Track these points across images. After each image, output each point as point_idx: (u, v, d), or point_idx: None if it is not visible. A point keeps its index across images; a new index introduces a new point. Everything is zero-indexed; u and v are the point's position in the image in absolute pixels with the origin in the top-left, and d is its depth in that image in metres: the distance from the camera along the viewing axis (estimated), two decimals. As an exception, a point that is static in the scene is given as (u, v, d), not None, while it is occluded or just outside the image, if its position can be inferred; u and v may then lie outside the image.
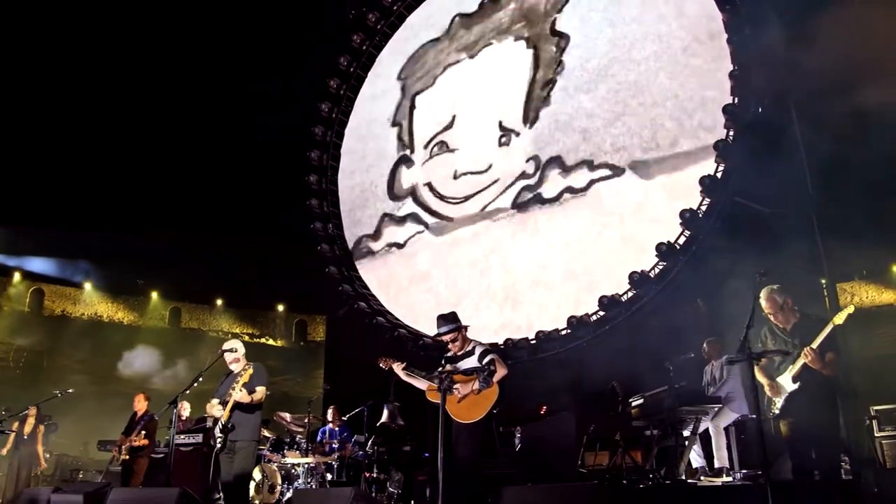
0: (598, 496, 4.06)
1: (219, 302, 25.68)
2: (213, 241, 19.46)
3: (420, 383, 5.62)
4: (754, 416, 6.90)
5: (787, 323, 5.03)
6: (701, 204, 9.78)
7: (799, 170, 9.42)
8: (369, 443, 9.29)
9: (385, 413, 9.83)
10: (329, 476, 8.82)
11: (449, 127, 13.02)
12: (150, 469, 8.99)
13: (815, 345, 4.71)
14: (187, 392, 6.71)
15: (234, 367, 6.41)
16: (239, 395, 6.00)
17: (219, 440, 5.94)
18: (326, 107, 14.32)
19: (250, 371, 6.14)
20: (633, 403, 6.87)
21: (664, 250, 9.79)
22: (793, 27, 9.60)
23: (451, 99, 13.19)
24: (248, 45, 15.22)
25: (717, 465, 6.64)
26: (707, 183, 9.58)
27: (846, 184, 9.95)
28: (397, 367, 5.70)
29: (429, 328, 12.37)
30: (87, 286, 22.67)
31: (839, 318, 4.77)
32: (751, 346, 4.39)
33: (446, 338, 5.58)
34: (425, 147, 13.31)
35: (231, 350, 6.47)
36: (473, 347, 5.58)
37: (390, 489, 9.21)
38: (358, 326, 13.17)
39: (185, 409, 10.18)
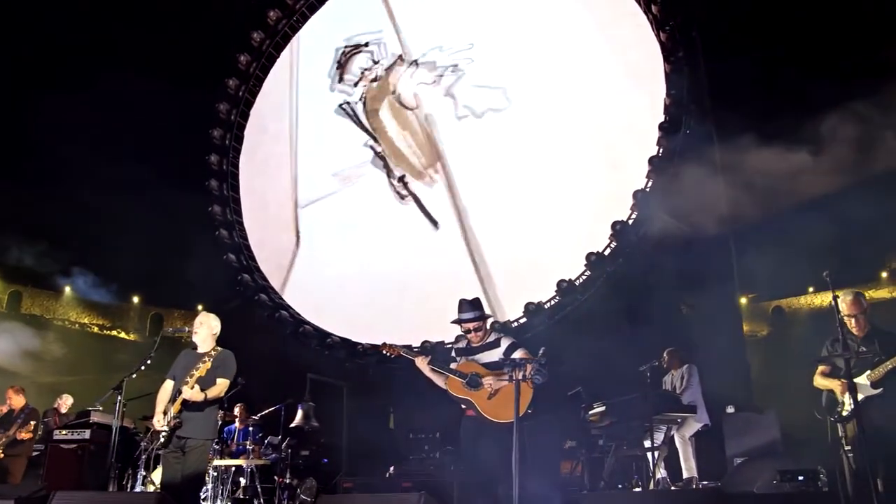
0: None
1: (67, 288, 23.26)
2: (64, 216, 17.25)
3: (440, 380, 5.09)
4: (709, 423, 7.04)
5: (861, 330, 5.05)
6: (629, 217, 10.00)
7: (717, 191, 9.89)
8: (283, 445, 8.55)
9: (299, 413, 9.11)
10: (243, 481, 7.96)
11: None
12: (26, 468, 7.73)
13: None
14: (133, 376, 5.75)
15: (202, 347, 5.48)
16: (189, 393, 5.05)
17: (162, 437, 5.04)
18: (234, 83, 13.28)
19: (208, 365, 5.16)
20: (594, 410, 6.64)
21: (593, 260, 9.91)
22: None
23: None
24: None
25: (686, 475, 6.59)
26: (640, 197, 9.80)
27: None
28: (421, 362, 5.08)
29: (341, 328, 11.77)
30: None
31: None
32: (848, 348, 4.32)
33: (469, 325, 5.08)
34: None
35: (201, 324, 5.51)
36: (498, 339, 5.12)
37: (302, 497, 8.50)
38: (254, 320, 12.25)
39: (67, 403, 8.86)
